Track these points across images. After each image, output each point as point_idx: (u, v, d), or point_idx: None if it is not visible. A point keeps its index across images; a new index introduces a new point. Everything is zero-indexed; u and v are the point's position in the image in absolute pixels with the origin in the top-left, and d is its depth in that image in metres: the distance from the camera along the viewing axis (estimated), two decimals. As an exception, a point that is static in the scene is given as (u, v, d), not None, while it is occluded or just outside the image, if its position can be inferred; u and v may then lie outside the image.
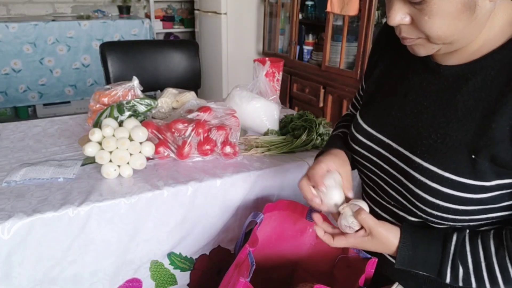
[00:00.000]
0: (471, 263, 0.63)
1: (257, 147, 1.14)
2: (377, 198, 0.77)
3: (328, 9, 2.41)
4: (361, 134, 0.76)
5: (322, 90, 2.56)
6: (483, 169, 0.59)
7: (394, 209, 0.73)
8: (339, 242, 0.71)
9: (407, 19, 0.59)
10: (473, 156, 0.59)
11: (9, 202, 0.83)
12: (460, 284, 0.64)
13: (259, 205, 1.06)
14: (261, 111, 1.22)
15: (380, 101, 0.75)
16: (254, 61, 1.39)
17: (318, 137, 1.17)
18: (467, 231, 0.65)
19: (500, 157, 0.57)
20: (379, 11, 2.21)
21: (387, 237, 0.67)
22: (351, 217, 0.69)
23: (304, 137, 1.16)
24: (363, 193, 0.85)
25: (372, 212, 0.76)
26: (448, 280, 0.64)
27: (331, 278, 0.91)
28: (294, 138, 1.19)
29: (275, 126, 1.25)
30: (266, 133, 1.24)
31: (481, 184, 0.59)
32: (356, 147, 0.77)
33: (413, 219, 0.70)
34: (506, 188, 0.60)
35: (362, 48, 2.26)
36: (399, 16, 0.59)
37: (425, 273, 0.67)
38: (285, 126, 1.27)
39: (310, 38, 2.83)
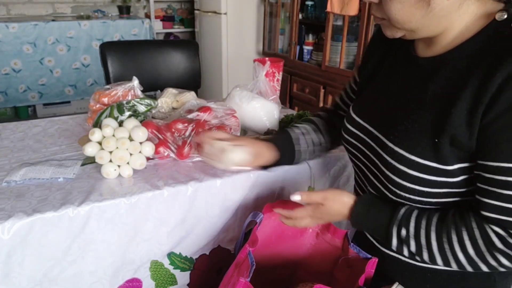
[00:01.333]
0: (413, 227, 0.67)
1: (257, 147, 1.14)
2: (363, 186, 0.83)
3: (328, 9, 2.41)
4: (350, 123, 0.83)
5: (322, 90, 2.56)
6: (445, 153, 0.63)
7: (377, 194, 0.77)
8: (301, 222, 0.81)
9: None
10: (436, 140, 0.63)
11: (9, 202, 0.83)
12: (405, 251, 0.69)
13: (259, 205, 1.06)
14: (261, 111, 1.22)
15: (369, 93, 0.82)
16: (254, 61, 1.39)
17: (318, 137, 1.17)
18: (418, 206, 0.71)
19: (457, 140, 0.62)
20: (379, 11, 2.21)
21: (340, 195, 0.77)
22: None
23: (304, 137, 1.16)
24: (355, 182, 0.90)
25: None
26: (394, 242, 0.70)
27: (331, 278, 0.91)
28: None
29: (275, 126, 1.25)
30: (266, 133, 1.23)
31: (443, 168, 0.64)
32: (347, 137, 0.84)
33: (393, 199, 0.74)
34: (469, 173, 0.64)
35: (362, 48, 2.26)
36: None
37: (375, 235, 0.75)
38: (285, 126, 1.26)
39: (310, 38, 2.83)
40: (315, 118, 1.05)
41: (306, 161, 1.09)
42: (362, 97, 0.84)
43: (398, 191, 0.69)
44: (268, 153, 0.94)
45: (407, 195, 0.68)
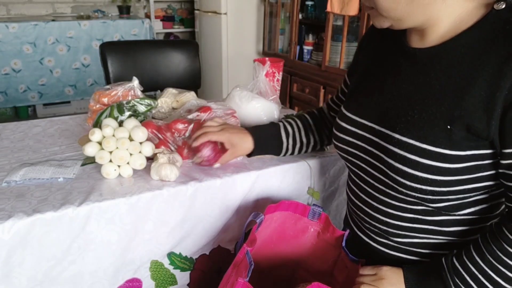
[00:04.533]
0: (472, 280, 0.65)
1: (257, 147, 1.14)
2: (360, 183, 0.81)
3: (328, 9, 2.41)
4: (345, 121, 0.82)
5: (322, 90, 2.56)
6: (459, 139, 0.63)
7: (375, 193, 0.77)
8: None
9: None
10: (448, 127, 0.63)
11: (9, 202, 0.83)
12: None
13: (259, 205, 1.06)
14: (261, 111, 1.22)
15: (363, 91, 0.81)
16: (254, 61, 1.39)
17: (318, 137, 1.17)
18: (454, 251, 0.69)
19: (474, 126, 0.61)
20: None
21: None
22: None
23: (304, 137, 1.16)
24: (348, 181, 0.89)
25: (357, 198, 0.82)
26: None
27: (331, 278, 0.91)
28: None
29: (275, 126, 1.25)
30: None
31: (457, 154, 0.63)
32: (341, 135, 0.82)
33: (393, 202, 0.74)
34: (481, 159, 0.64)
35: (362, 48, 2.26)
36: None
37: None
38: (285, 126, 1.27)
39: (310, 38, 2.83)
40: (308, 115, 1.08)
41: (306, 161, 1.10)
42: (355, 96, 0.83)
43: (408, 183, 0.67)
44: (245, 145, 0.99)
45: (418, 186, 0.67)
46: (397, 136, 0.69)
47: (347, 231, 0.87)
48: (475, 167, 0.64)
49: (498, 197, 0.70)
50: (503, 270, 0.63)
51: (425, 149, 0.65)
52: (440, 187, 0.66)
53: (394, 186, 0.71)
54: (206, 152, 0.97)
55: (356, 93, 0.83)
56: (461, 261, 0.67)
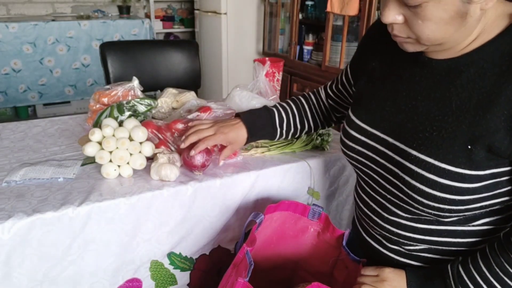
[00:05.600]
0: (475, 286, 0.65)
1: (257, 147, 1.14)
2: (371, 193, 0.79)
3: (328, 9, 2.41)
4: (354, 130, 0.78)
5: (322, 90, 2.56)
6: (479, 159, 0.61)
7: (388, 204, 0.75)
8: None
9: (400, 18, 0.61)
10: (469, 147, 0.61)
11: (9, 202, 0.83)
12: None
13: (259, 205, 1.06)
14: (261, 111, 1.22)
15: (372, 97, 0.77)
16: (254, 61, 1.39)
17: (318, 137, 1.17)
18: (460, 259, 0.68)
19: (496, 146, 0.59)
20: (379, 11, 2.21)
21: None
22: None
23: (304, 137, 1.16)
24: (357, 187, 0.86)
25: (367, 206, 0.80)
26: None
27: (331, 278, 0.91)
28: (294, 138, 1.19)
29: (275, 126, 1.25)
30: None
31: (476, 174, 0.61)
32: (350, 143, 0.79)
33: (406, 215, 0.72)
34: (500, 176, 0.62)
35: (362, 48, 2.26)
36: (392, 16, 0.61)
37: None
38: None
39: (310, 38, 2.83)
40: (304, 100, 1.04)
41: (306, 161, 1.10)
42: (364, 102, 0.78)
43: (425, 201, 0.65)
44: (241, 138, 0.97)
45: (435, 205, 0.65)
46: (414, 153, 0.66)
47: (348, 231, 0.87)
48: (493, 185, 0.63)
49: None
50: (509, 282, 0.62)
51: (444, 168, 0.62)
52: (457, 205, 0.64)
53: (408, 201, 0.69)
54: (200, 159, 0.95)
55: (365, 98, 0.79)
56: (467, 269, 0.66)
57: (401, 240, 0.75)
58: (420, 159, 0.65)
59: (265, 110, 1.01)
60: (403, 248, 0.76)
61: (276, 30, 3.08)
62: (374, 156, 0.74)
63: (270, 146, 1.15)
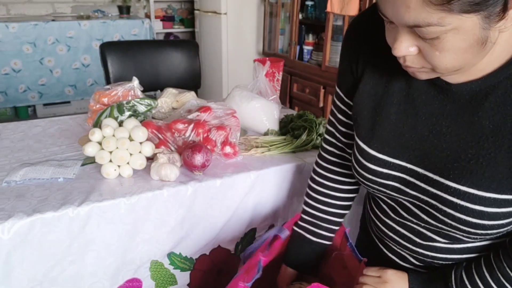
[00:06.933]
0: None
1: (257, 147, 1.14)
2: (398, 219, 0.74)
3: (328, 9, 2.41)
4: (373, 163, 0.70)
5: (322, 90, 2.56)
6: None
7: (423, 230, 0.71)
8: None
9: (413, 50, 0.56)
10: None
11: (9, 202, 0.83)
12: None
13: (259, 205, 1.06)
14: (261, 111, 1.22)
15: (382, 123, 0.69)
16: (254, 61, 1.39)
17: (318, 137, 1.17)
18: (464, 264, 0.68)
19: None
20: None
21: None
22: None
23: (304, 137, 1.16)
24: (374, 208, 0.80)
25: (392, 230, 0.76)
26: None
27: (331, 279, 0.91)
28: (294, 138, 1.19)
29: (275, 126, 1.25)
30: (266, 133, 1.24)
31: None
32: (371, 177, 0.71)
33: (444, 240, 0.69)
34: None
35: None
36: (405, 48, 0.55)
37: None
38: (285, 126, 1.27)
39: (310, 38, 2.83)
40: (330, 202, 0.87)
41: (306, 161, 1.10)
42: (375, 129, 0.70)
43: (472, 230, 0.62)
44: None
45: (484, 231, 0.61)
46: (453, 185, 0.61)
47: (348, 229, 0.87)
48: None
49: None
50: (509, 287, 0.62)
51: (490, 197, 0.59)
52: (505, 227, 0.62)
53: (450, 230, 0.65)
54: (200, 159, 0.95)
55: (374, 124, 0.70)
56: (470, 275, 0.66)
57: (435, 261, 0.72)
58: (462, 191, 0.60)
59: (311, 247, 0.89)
60: (433, 265, 0.74)
61: (276, 30, 3.08)
62: (402, 187, 0.69)
63: (270, 146, 1.15)
